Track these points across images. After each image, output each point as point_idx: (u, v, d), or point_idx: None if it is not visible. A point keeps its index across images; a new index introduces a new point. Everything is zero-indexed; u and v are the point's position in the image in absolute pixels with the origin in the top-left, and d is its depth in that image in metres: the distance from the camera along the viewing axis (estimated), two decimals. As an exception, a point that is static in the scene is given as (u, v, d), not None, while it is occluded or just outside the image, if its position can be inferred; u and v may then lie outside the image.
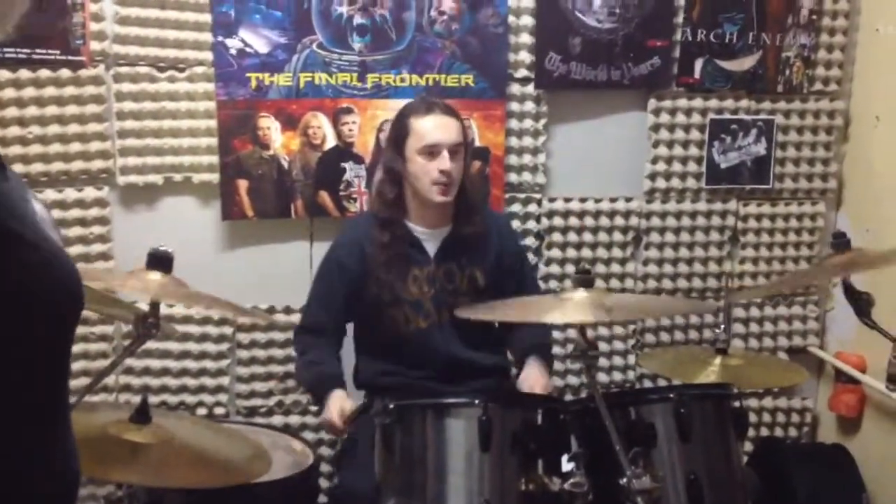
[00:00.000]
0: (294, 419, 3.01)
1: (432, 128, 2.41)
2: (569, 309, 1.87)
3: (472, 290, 2.53)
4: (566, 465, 1.94)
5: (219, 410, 2.95)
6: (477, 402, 1.97)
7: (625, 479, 1.81)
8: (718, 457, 2.08)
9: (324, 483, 2.52)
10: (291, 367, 2.98)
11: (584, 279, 1.92)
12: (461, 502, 1.94)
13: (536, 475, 1.93)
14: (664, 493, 1.94)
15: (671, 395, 2.04)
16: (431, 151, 2.40)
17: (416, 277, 2.51)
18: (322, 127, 2.87)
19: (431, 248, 2.52)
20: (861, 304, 2.04)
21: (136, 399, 1.96)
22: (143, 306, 1.92)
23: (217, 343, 2.93)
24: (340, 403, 2.36)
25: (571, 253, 3.07)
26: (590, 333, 1.98)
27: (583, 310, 1.87)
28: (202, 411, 2.93)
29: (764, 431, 3.24)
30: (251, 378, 2.98)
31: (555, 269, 3.04)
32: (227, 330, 2.93)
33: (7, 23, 0.88)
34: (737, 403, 2.12)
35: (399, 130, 2.48)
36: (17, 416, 0.94)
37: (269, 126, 2.84)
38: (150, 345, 2.86)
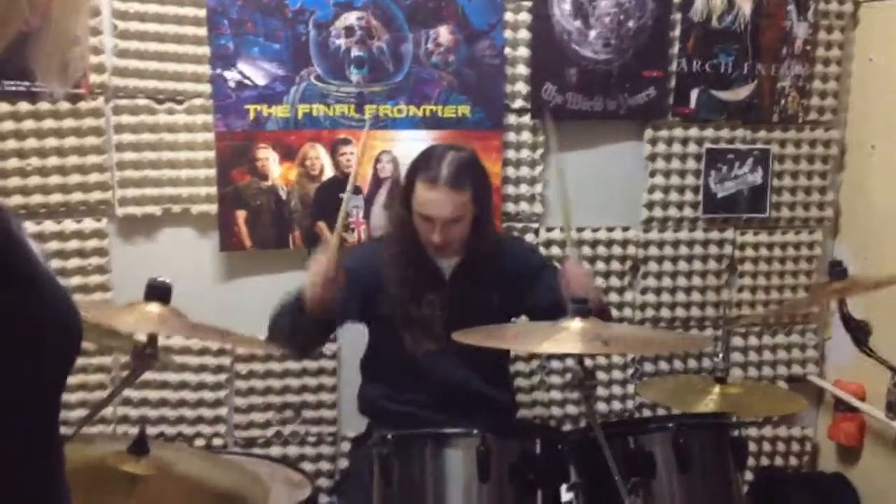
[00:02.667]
0: (292, 450, 2.99)
1: (428, 202, 2.37)
2: (565, 338, 1.87)
3: (485, 315, 2.49)
4: (565, 496, 1.94)
5: (217, 441, 2.94)
6: (475, 432, 1.97)
7: (624, 510, 1.81)
8: (718, 487, 2.07)
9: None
10: (290, 398, 2.98)
11: (582, 309, 1.92)
12: (460, 533, 1.93)
13: (535, 506, 1.93)
14: (664, 523, 1.93)
15: (670, 425, 2.03)
16: (427, 219, 2.40)
17: (430, 300, 2.50)
18: (320, 158, 2.89)
19: (447, 271, 2.53)
20: (859, 333, 2.05)
21: (134, 430, 1.94)
22: (142, 337, 1.91)
23: (215, 374, 2.92)
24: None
25: (569, 282, 3.06)
26: (588, 363, 1.97)
27: (579, 340, 1.87)
28: (200, 442, 2.91)
29: (764, 461, 3.23)
30: (249, 409, 2.97)
31: (553, 298, 3.04)
32: (226, 360, 2.92)
33: (7, 29, 0.88)
34: (736, 433, 2.12)
35: (407, 184, 2.46)
36: (8, 453, 0.93)
37: (268, 157, 2.85)
38: (148, 376, 2.85)
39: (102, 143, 2.78)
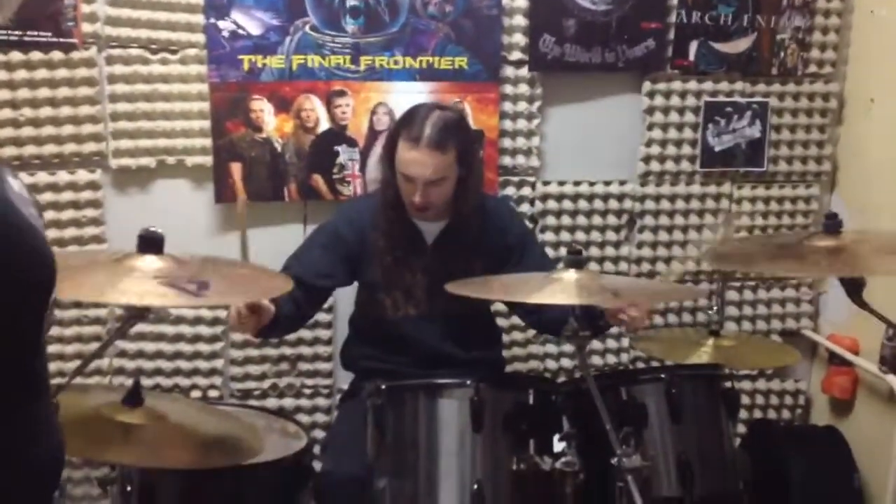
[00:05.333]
0: (288, 402, 3.01)
1: (409, 161, 2.34)
2: (559, 289, 1.87)
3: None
4: (558, 445, 1.96)
5: (213, 393, 2.95)
6: (469, 382, 1.98)
7: (615, 458, 1.82)
8: (709, 437, 2.09)
9: (317, 465, 2.52)
10: (286, 350, 2.99)
11: (576, 260, 1.92)
12: (453, 482, 1.95)
13: (528, 455, 1.94)
14: (654, 472, 1.95)
15: (662, 376, 2.05)
16: (408, 179, 2.38)
17: (412, 265, 2.50)
18: (315, 110, 2.87)
19: (430, 237, 2.52)
20: (852, 284, 2.04)
21: (130, 382, 1.95)
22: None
23: (211, 326, 2.93)
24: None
25: (565, 236, 3.06)
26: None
27: (574, 290, 1.87)
28: (196, 394, 2.93)
29: (757, 414, 3.25)
30: (245, 361, 2.98)
31: (549, 251, 3.03)
32: (221, 312, 2.93)
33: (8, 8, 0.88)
34: (728, 384, 2.13)
35: (391, 142, 2.43)
36: None
37: (262, 109, 2.83)
38: (144, 328, 2.87)
39: (95, 94, 2.76)
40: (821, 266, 2.09)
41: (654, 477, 1.96)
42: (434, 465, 1.97)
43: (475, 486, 1.92)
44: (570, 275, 1.90)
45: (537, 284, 1.93)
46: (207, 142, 2.82)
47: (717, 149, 3.09)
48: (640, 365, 3.15)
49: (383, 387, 2.04)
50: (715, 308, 2.61)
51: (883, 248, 2.05)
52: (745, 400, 3.19)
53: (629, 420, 1.97)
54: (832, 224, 2.04)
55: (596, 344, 3.14)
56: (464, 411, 1.96)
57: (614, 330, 3.12)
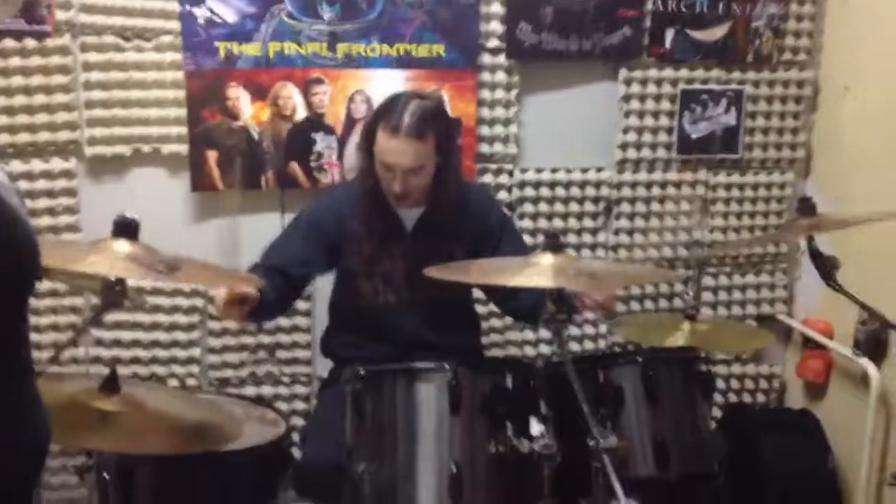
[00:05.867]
0: (267, 390, 3.01)
1: (388, 150, 2.34)
2: (536, 272, 1.88)
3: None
4: (535, 428, 1.96)
5: (190, 382, 2.95)
6: (447, 366, 1.99)
7: (592, 439, 1.83)
8: (685, 418, 2.11)
9: (296, 452, 2.53)
10: (264, 338, 2.99)
11: (553, 244, 1.93)
12: (431, 465, 1.96)
13: (506, 437, 1.95)
14: (631, 453, 1.97)
15: (639, 359, 2.06)
16: (388, 168, 2.38)
17: (391, 252, 2.50)
18: (292, 97, 2.86)
19: (409, 223, 2.52)
20: (826, 267, 2.06)
21: (107, 371, 1.94)
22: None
23: (188, 314, 2.92)
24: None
25: (543, 223, 3.08)
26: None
27: (551, 274, 1.88)
28: (173, 383, 2.92)
29: (733, 398, 3.28)
30: (223, 349, 2.97)
31: (527, 238, 3.04)
32: (198, 301, 2.92)
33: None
34: (703, 367, 2.15)
35: (369, 131, 2.42)
36: None
37: (239, 96, 2.82)
38: (120, 316, 2.86)
39: (70, 82, 2.74)
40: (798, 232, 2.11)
41: (630, 457, 1.98)
42: (412, 449, 1.97)
43: (453, 469, 1.92)
44: (548, 258, 1.91)
45: (515, 268, 1.94)
46: (183, 130, 2.81)
47: (693, 136, 3.11)
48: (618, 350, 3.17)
49: (362, 372, 2.04)
50: (691, 293, 2.63)
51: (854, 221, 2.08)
52: (720, 384, 3.22)
53: (606, 402, 1.99)
54: (806, 207, 2.07)
55: (574, 330, 3.17)
56: (442, 395, 1.97)
57: (592, 316, 3.14)
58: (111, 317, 2.84)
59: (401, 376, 2.04)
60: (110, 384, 1.93)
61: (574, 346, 3.16)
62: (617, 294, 2.24)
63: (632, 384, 2.05)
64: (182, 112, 2.80)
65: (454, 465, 1.93)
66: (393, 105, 2.38)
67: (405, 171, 2.35)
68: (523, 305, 2.51)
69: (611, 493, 1.80)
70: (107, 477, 2.03)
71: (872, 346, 2.78)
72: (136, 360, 2.90)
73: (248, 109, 2.83)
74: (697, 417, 2.13)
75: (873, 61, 2.90)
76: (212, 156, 2.84)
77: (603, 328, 3.16)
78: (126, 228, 1.85)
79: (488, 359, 2.37)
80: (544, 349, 3.15)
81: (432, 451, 1.96)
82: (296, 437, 2.81)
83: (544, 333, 3.14)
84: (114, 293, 1.87)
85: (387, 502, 1.97)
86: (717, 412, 3.19)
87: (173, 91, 2.80)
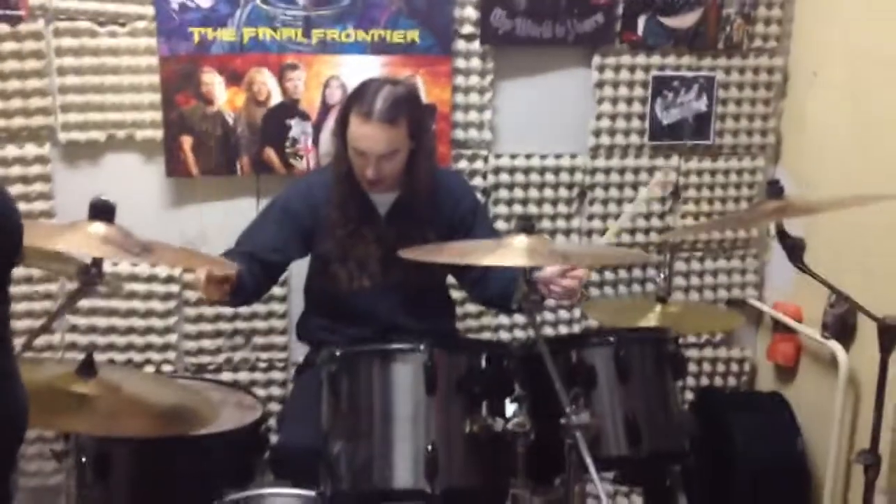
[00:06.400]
0: (243, 376, 3.01)
1: (361, 136, 2.36)
2: (510, 253, 1.91)
3: None
4: (509, 408, 2.00)
5: (167, 368, 2.95)
6: (422, 347, 2.01)
7: (564, 417, 1.86)
8: (656, 396, 2.15)
9: (273, 437, 2.54)
10: (240, 324, 2.99)
11: (526, 225, 1.96)
12: (408, 445, 1.98)
13: (480, 417, 1.98)
14: (603, 432, 2.00)
15: (611, 339, 2.09)
16: (360, 154, 2.39)
17: (365, 236, 2.52)
18: (267, 83, 2.86)
19: (383, 209, 2.53)
20: (794, 248, 2.11)
21: (82, 357, 1.95)
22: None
23: (164, 301, 2.92)
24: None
25: (517, 209, 3.10)
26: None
27: (524, 254, 1.91)
28: (150, 369, 2.92)
29: (704, 381, 3.32)
30: (199, 335, 2.98)
31: (501, 224, 3.07)
32: (174, 287, 2.92)
33: None
34: (674, 347, 2.19)
35: (342, 117, 2.44)
36: None
37: (213, 82, 2.82)
38: (97, 303, 2.86)
39: (43, 67, 2.73)
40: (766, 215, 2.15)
41: (602, 436, 2.01)
42: (389, 429, 2.00)
43: (429, 448, 1.95)
44: (521, 239, 1.94)
45: (489, 249, 1.97)
46: (158, 115, 2.81)
47: (664, 122, 3.15)
48: (591, 336, 3.21)
49: (338, 353, 2.06)
50: (662, 276, 2.67)
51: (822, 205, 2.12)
52: (692, 368, 3.27)
53: (579, 381, 2.02)
54: (774, 189, 2.10)
55: (548, 315, 3.19)
56: (418, 375, 1.99)
57: (560, 303, 3.17)
58: (87, 303, 2.83)
59: (376, 357, 2.06)
60: (87, 368, 1.94)
61: (548, 331, 3.19)
62: (584, 279, 2.27)
63: (604, 364, 2.08)
64: (156, 97, 2.80)
65: (430, 444, 1.95)
66: (365, 91, 2.40)
67: (378, 156, 2.36)
68: (493, 292, 2.54)
69: (583, 469, 1.83)
70: (84, 460, 2.04)
71: (840, 328, 2.83)
72: (111, 347, 2.89)
73: (222, 95, 2.83)
74: (668, 396, 2.16)
75: (841, 47, 2.94)
76: (186, 141, 2.83)
77: (577, 313, 3.19)
78: (102, 210, 1.86)
79: (463, 339, 2.40)
80: (519, 334, 3.18)
81: (408, 431, 1.99)
82: (273, 421, 2.82)
83: (519, 319, 3.16)
84: (90, 276, 1.88)
85: (363, 483, 2.00)
86: (689, 395, 3.23)
87: (147, 76, 2.79)
